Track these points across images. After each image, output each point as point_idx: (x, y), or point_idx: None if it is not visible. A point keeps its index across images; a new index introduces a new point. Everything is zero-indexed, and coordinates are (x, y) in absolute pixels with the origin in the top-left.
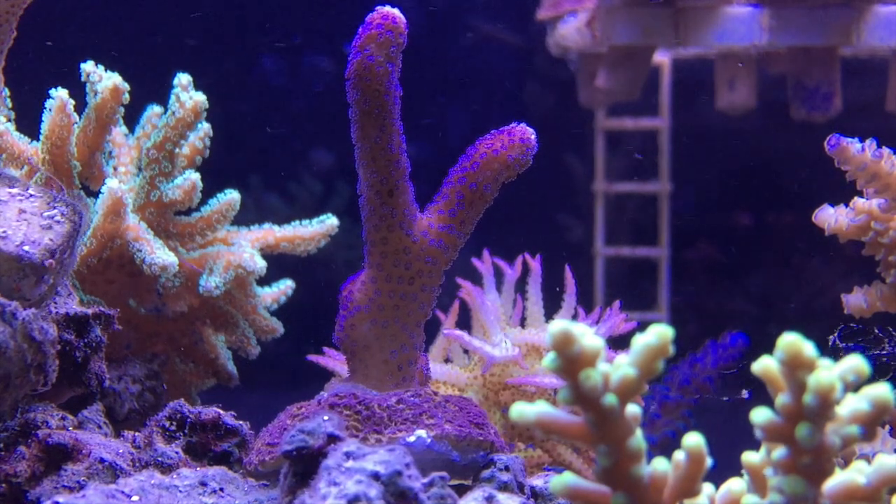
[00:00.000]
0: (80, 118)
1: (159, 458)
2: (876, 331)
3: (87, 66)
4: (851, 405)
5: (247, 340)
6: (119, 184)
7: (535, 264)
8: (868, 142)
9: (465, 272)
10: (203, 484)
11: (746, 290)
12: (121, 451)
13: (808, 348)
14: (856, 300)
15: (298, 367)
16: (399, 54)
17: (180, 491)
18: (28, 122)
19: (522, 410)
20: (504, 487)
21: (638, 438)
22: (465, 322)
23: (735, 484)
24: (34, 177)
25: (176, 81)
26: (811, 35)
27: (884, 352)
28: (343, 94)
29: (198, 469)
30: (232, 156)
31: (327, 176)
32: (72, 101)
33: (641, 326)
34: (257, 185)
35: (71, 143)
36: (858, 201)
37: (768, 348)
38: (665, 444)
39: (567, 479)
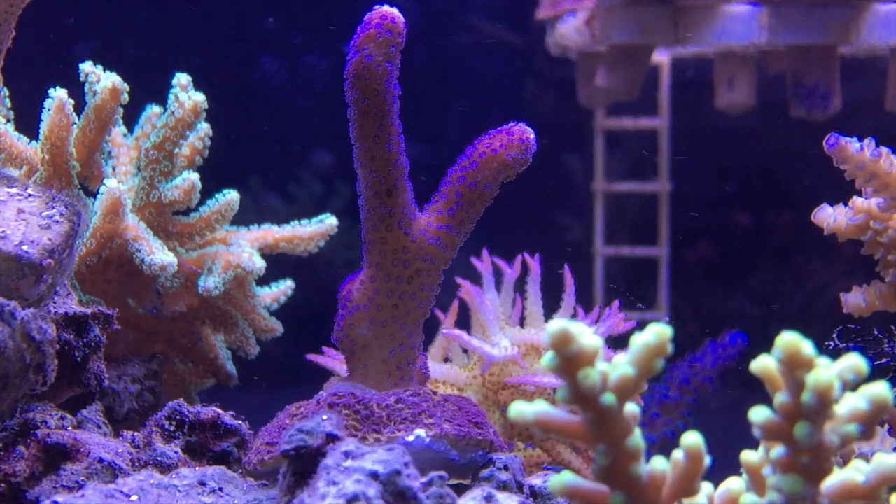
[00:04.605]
0: (79, 118)
1: (158, 458)
2: (875, 332)
3: (86, 66)
4: (850, 404)
5: (246, 340)
6: (118, 184)
7: (534, 264)
8: (867, 141)
9: (465, 272)
10: (202, 483)
11: (746, 290)
12: (120, 450)
13: (806, 347)
14: (855, 299)
15: (298, 367)
16: (398, 54)
17: (179, 490)
18: (28, 123)
19: (521, 410)
20: (503, 487)
21: (636, 437)
22: (464, 322)
23: (734, 483)
24: (33, 176)
25: (175, 81)
26: (810, 33)
27: (883, 353)
28: (342, 93)
29: (197, 469)
30: (232, 156)
31: (327, 176)
32: (71, 101)
33: (641, 326)
34: (257, 185)
35: (70, 143)
36: (857, 200)
37: (768, 348)
38: (664, 444)
39: (566, 478)
